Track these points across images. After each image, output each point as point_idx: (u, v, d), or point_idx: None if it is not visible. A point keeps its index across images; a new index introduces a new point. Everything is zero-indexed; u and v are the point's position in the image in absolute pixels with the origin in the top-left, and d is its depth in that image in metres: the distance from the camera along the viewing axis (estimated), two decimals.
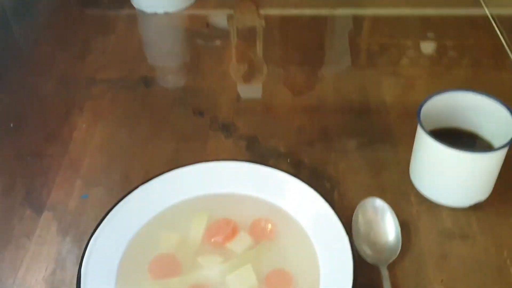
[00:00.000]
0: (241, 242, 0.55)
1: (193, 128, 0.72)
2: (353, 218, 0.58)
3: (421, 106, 0.58)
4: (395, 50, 0.84)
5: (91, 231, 0.58)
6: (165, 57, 0.86)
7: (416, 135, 0.60)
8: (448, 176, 0.58)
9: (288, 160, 0.67)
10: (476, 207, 0.60)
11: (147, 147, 0.69)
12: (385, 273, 0.53)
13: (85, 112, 0.74)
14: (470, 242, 0.57)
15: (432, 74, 0.80)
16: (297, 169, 0.65)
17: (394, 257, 0.55)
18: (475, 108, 0.59)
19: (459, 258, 0.56)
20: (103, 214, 0.60)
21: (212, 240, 0.55)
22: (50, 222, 0.60)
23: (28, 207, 0.62)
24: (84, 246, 0.57)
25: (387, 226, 0.57)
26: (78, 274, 0.50)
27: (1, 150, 0.69)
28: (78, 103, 0.76)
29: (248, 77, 0.82)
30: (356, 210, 0.58)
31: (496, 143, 0.59)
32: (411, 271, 0.55)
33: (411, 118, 0.70)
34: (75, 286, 0.54)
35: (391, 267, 0.54)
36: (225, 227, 0.56)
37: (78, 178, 0.65)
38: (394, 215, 0.57)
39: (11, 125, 0.72)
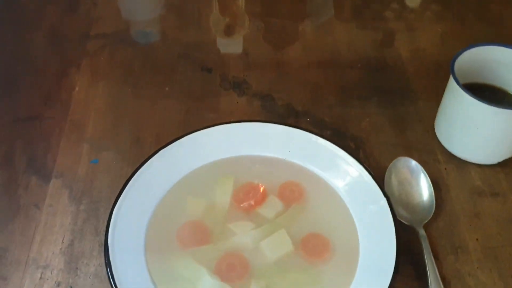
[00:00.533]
0: (272, 207, 0.52)
1: (202, 86, 0.68)
2: (385, 179, 0.55)
3: (454, 59, 0.56)
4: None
5: (108, 199, 0.55)
6: (164, 9, 0.80)
7: (446, 90, 0.58)
8: (478, 133, 0.56)
9: (308, 119, 0.64)
10: (503, 164, 0.59)
11: (155, 107, 0.65)
12: (422, 233, 0.51)
13: (82, 71, 0.69)
14: (501, 199, 0.56)
15: (449, 29, 0.77)
16: (318, 129, 0.62)
17: (428, 218, 0.53)
18: (507, 63, 0.57)
19: (492, 216, 0.55)
20: (116, 180, 0.56)
21: (242, 205, 0.52)
22: (59, 190, 0.56)
23: (33, 174, 0.57)
24: (101, 215, 0.53)
25: (421, 186, 0.55)
26: (105, 246, 0.46)
27: None
28: (73, 61, 0.70)
29: (229, 31, 0.77)
30: (388, 170, 0.56)
31: None
32: (446, 231, 0.53)
33: (429, 73, 0.69)
34: (96, 258, 0.51)
35: (426, 227, 0.53)
36: (254, 192, 0.53)
37: (85, 142, 0.60)
38: (427, 175, 0.55)
39: None
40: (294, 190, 0.54)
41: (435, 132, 0.61)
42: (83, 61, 0.70)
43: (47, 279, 0.49)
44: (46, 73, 0.68)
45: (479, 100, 0.53)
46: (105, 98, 0.65)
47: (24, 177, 0.57)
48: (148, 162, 0.53)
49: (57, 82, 0.67)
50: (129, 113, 0.64)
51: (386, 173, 0.56)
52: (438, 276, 0.49)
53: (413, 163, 0.56)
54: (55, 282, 0.49)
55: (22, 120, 0.62)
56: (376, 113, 0.64)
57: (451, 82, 0.55)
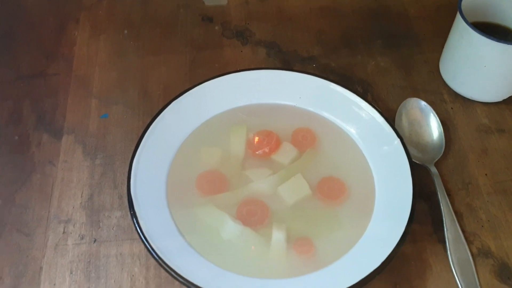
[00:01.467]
0: (286, 153, 0.53)
1: (204, 36, 0.67)
2: (395, 120, 0.56)
3: None
4: None
5: (122, 152, 0.55)
6: None
7: (452, 29, 0.58)
8: (485, 71, 0.57)
9: (314, 65, 0.64)
10: (508, 101, 0.60)
11: (160, 59, 0.64)
12: (434, 171, 0.53)
13: (81, 25, 0.67)
14: (507, 135, 0.58)
15: None
16: (324, 74, 0.62)
17: (439, 156, 0.55)
18: None
19: (499, 151, 0.56)
20: (129, 134, 0.57)
21: (257, 152, 0.53)
22: (73, 145, 0.56)
23: (44, 132, 0.57)
24: (118, 168, 0.54)
25: (431, 126, 0.56)
26: (128, 198, 0.47)
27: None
28: (71, 15, 0.68)
29: None
30: (398, 111, 0.57)
31: None
32: (456, 168, 0.55)
33: (430, 15, 0.69)
34: (116, 210, 0.51)
35: (437, 165, 0.54)
36: (268, 139, 0.53)
37: (93, 97, 0.60)
38: (436, 115, 0.56)
39: None
40: (307, 136, 0.54)
41: (440, 73, 0.62)
42: (81, 15, 0.68)
43: (71, 233, 0.49)
44: (45, 29, 0.67)
45: (488, 37, 0.53)
46: (108, 52, 0.64)
47: (36, 134, 0.56)
48: (161, 115, 0.52)
49: (56, 37, 0.66)
50: (134, 66, 0.63)
51: (396, 115, 0.57)
52: (452, 210, 0.50)
53: (423, 103, 0.57)
54: (79, 236, 0.49)
55: (26, 77, 0.61)
56: (381, 57, 0.65)
57: (458, 21, 0.56)
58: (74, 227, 0.50)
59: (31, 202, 0.51)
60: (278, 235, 0.47)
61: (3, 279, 0.46)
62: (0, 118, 0.57)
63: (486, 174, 0.54)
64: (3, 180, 0.53)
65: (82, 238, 0.49)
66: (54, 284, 0.46)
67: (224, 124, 0.55)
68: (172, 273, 0.43)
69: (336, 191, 0.51)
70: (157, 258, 0.43)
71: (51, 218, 0.50)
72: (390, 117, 0.56)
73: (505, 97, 0.59)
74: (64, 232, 0.50)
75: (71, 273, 0.47)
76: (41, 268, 0.47)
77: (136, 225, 0.45)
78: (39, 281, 0.47)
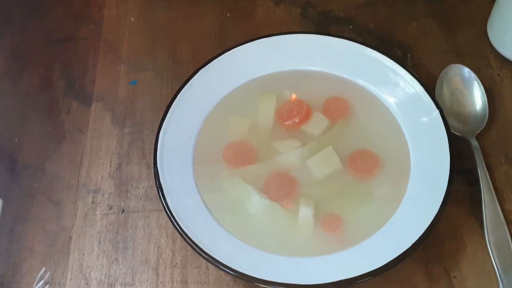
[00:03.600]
0: (317, 123, 0.51)
1: None
2: (436, 89, 0.53)
3: None
4: None
5: (151, 120, 0.54)
6: None
7: None
8: None
9: (351, 26, 0.60)
10: None
11: (189, 22, 0.62)
12: (475, 144, 0.50)
13: None
14: None
15: None
16: (362, 37, 0.59)
17: (481, 128, 0.51)
18: None
19: None
20: (158, 101, 0.56)
21: (286, 123, 0.51)
22: (102, 113, 0.55)
23: (74, 98, 0.56)
24: (146, 137, 0.53)
25: (474, 95, 0.52)
26: (154, 170, 0.46)
27: (28, 37, 0.61)
28: None
29: None
30: (439, 79, 0.53)
31: None
32: (499, 141, 0.51)
33: None
34: (145, 180, 0.51)
35: (478, 137, 0.51)
36: (298, 108, 0.51)
37: (122, 62, 0.59)
38: (480, 83, 0.52)
39: None
40: (340, 106, 0.52)
41: (487, 35, 0.57)
42: None
43: (99, 203, 0.50)
44: None
45: None
46: (137, 14, 0.63)
47: (65, 101, 0.56)
48: (189, 83, 0.51)
49: (85, 0, 0.64)
50: (163, 29, 0.61)
51: (437, 83, 0.53)
52: (492, 186, 0.48)
53: (466, 70, 0.53)
54: (107, 206, 0.50)
55: (56, 41, 0.61)
56: (424, 16, 0.60)
57: None
58: (102, 197, 0.50)
59: (61, 171, 0.52)
60: (305, 211, 0.46)
61: (34, 249, 0.47)
62: (31, 84, 0.57)
63: None
64: (35, 148, 0.53)
65: (110, 208, 0.49)
66: (83, 254, 0.47)
67: (253, 93, 0.53)
68: (197, 248, 0.42)
69: (368, 165, 0.48)
70: (181, 232, 0.43)
71: (81, 187, 0.51)
72: (431, 85, 0.53)
73: None
74: (93, 202, 0.50)
75: (99, 243, 0.48)
76: (70, 237, 0.48)
77: (162, 198, 0.45)
78: (68, 250, 0.47)
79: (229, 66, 0.53)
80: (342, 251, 0.44)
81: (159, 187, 0.45)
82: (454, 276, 0.45)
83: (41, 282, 0.46)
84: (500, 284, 0.44)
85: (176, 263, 0.46)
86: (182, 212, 0.45)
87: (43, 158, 0.52)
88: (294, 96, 0.53)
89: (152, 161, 0.47)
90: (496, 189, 0.48)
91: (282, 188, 0.47)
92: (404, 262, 0.42)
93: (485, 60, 0.56)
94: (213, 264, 0.42)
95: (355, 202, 0.47)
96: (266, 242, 0.45)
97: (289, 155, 0.49)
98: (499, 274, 0.44)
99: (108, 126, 0.54)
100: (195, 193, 0.47)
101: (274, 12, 0.62)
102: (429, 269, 0.45)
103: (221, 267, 0.42)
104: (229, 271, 0.42)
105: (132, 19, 0.62)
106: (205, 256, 0.42)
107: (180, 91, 0.51)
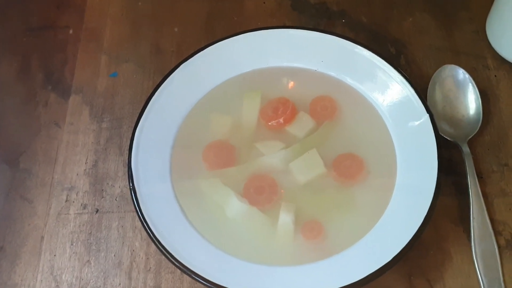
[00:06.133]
0: (302, 124, 0.49)
1: None
2: (428, 90, 0.50)
3: None
4: None
5: (130, 115, 0.52)
6: None
7: None
8: None
9: (343, 20, 0.57)
10: None
11: (174, 13, 0.59)
12: (466, 150, 0.48)
13: None
14: None
15: None
16: (354, 31, 0.56)
17: (474, 133, 0.49)
18: None
19: None
20: (138, 95, 0.54)
21: (270, 123, 0.49)
22: (80, 106, 0.53)
23: (51, 90, 0.54)
24: (125, 133, 0.51)
25: (468, 98, 0.50)
26: (129, 171, 0.44)
27: (7, 24, 0.59)
28: None
29: None
30: (431, 81, 0.51)
31: None
32: (492, 147, 0.49)
33: None
34: (121, 179, 0.49)
35: (470, 143, 0.49)
36: (283, 108, 0.49)
37: (103, 53, 0.56)
38: (475, 86, 0.50)
39: None
40: (327, 106, 0.50)
41: (486, 34, 0.55)
42: None
43: (73, 201, 0.48)
44: None
45: None
46: (121, 2, 0.60)
47: (43, 93, 0.54)
48: (170, 77, 0.49)
49: None
50: (147, 19, 0.59)
51: (430, 84, 0.51)
52: (481, 196, 0.46)
53: (461, 72, 0.50)
54: (81, 205, 0.48)
55: (36, 29, 0.58)
56: (421, 11, 0.58)
57: None
58: (77, 195, 0.48)
59: (35, 167, 0.50)
60: (285, 218, 0.44)
61: (4, 248, 0.46)
62: (8, 74, 0.55)
63: None
64: (9, 142, 0.51)
65: (84, 208, 0.48)
66: (55, 255, 0.46)
67: (238, 89, 0.51)
68: (169, 256, 0.41)
69: (353, 170, 0.46)
70: (153, 238, 0.41)
71: (55, 184, 0.49)
72: (423, 85, 0.51)
73: None
74: (66, 201, 0.48)
75: (71, 244, 0.46)
76: (42, 237, 0.46)
77: (135, 202, 0.43)
78: (40, 251, 0.46)
79: (213, 61, 0.51)
80: (322, 260, 0.43)
81: (133, 190, 0.43)
82: None
83: None
84: None
85: (150, 268, 0.45)
86: (156, 216, 0.43)
87: (17, 153, 0.51)
88: (280, 94, 0.50)
89: None
90: (486, 198, 0.46)
91: (263, 192, 0.45)
92: (386, 274, 0.40)
93: (482, 60, 0.54)
94: (185, 273, 0.40)
95: (338, 209, 0.45)
96: (243, 250, 0.43)
97: (271, 157, 0.47)
98: None
99: (85, 120, 0.52)
100: (171, 196, 0.45)
101: (264, 2, 0.59)
102: (411, 280, 0.44)
103: (194, 276, 0.40)
104: (202, 281, 0.40)
105: (115, 7, 0.59)
106: (178, 265, 0.40)
107: (160, 86, 0.48)
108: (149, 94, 0.48)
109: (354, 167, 0.46)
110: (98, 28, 0.58)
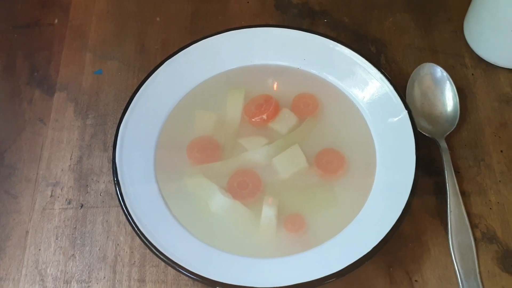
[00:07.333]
0: (285, 121, 0.50)
1: None
2: (407, 87, 0.52)
3: None
4: None
5: (114, 112, 0.53)
6: None
7: None
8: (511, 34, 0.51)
9: (326, 20, 0.59)
10: None
11: (160, 11, 0.60)
12: (444, 145, 0.49)
13: None
14: None
15: None
16: (336, 31, 0.58)
17: (451, 129, 0.50)
18: None
19: None
20: (123, 92, 0.54)
21: (253, 119, 0.50)
22: (65, 103, 0.54)
23: (36, 87, 0.55)
24: (109, 130, 0.52)
25: (446, 96, 0.51)
26: (113, 166, 0.45)
27: None
28: None
29: None
30: (410, 78, 0.52)
31: None
32: (469, 142, 0.51)
33: None
34: (105, 175, 0.50)
35: (448, 139, 0.50)
36: (266, 105, 0.50)
37: (87, 50, 0.57)
38: (452, 83, 0.51)
39: None
40: (309, 103, 0.51)
41: (464, 33, 0.56)
42: None
43: (58, 197, 0.48)
44: None
45: None
46: (106, 1, 0.60)
47: (28, 89, 0.54)
48: (154, 74, 0.49)
49: None
50: (132, 17, 0.60)
51: (409, 82, 0.52)
52: (458, 191, 0.47)
53: (438, 70, 0.52)
54: (66, 200, 0.48)
55: (21, 27, 0.58)
56: (401, 12, 0.59)
57: None
58: (61, 191, 0.49)
59: (20, 163, 0.50)
60: (268, 211, 0.45)
61: None
62: None
63: (501, 151, 0.50)
64: None
65: (69, 203, 0.48)
66: (40, 250, 0.46)
67: (222, 86, 0.52)
68: (153, 249, 0.41)
69: (334, 165, 0.47)
70: (137, 231, 0.42)
71: (40, 180, 0.49)
72: (403, 83, 0.52)
73: None
74: (51, 196, 0.48)
75: (56, 238, 0.46)
76: (27, 232, 0.47)
77: (119, 196, 0.43)
78: (24, 245, 0.46)
79: (197, 58, 0.51)
80: (304, 252, 0.44)
81: (117, 184, 0.44)
82: (416, 280, 0.44)
83: None
84: None
85: (134, 261, 0.45)
86: (140, 210, 0.43)
87: (2, 149, 0.51)
88: (263, 91, 0.51)
89: None
90: (463, 193, 0.48)
91: (246, 187, 0.46)
92: (366, 265, 0.42)
93: (460, 59, 0.55)
94: (169, 265, 0.41)
95: (319, 202, 0.46)
96: (227, 242, 0.44)
97: (254, 152, 0.48)
98: (460, 279, 0.44)
99: (70, 117, 0.53)
100: (155, 191, 0.46)
101: (248, 2, 0.60)
102: (390, 272, 0.45)
103: (178, 268, 0.41)
104: (186, 273, 0.41)
105: (101, 5, 0.60)
106: (162, 257, 0.41)
107: (144, 83, 0.49)
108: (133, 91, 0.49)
109: (335, 162, 0.48)
110: (83, 26, 0.58)
